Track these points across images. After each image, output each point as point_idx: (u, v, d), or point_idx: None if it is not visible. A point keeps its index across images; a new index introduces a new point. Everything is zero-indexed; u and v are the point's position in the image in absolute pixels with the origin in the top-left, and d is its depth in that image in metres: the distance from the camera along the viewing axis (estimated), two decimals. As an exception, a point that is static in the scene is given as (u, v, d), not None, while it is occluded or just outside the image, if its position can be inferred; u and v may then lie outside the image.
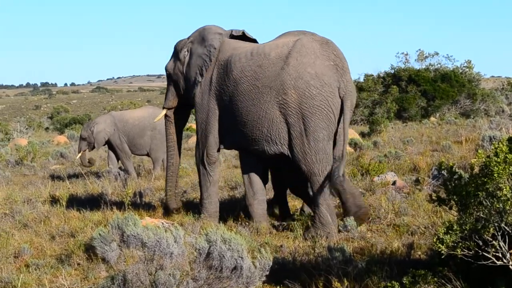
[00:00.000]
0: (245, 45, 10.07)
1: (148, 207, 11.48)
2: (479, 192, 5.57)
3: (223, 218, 10.26)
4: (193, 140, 21.82)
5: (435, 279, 6.05)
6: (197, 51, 10.31)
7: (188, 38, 10.66)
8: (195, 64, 10.29)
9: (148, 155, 18.18)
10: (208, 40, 10.20)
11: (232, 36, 10.46)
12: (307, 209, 10.18)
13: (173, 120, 10.98)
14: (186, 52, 10.54)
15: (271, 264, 6.31)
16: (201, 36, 10.39)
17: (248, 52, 9.59)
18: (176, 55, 10.80)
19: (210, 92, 9.95)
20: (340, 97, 8.99)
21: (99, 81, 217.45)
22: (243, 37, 10.57)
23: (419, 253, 7.65)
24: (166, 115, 11.06)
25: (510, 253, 5.55)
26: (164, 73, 11.13)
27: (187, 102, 10.69)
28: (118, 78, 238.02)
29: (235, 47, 10.00)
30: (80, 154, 18.23)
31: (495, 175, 5.41)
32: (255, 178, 9.97)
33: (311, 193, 9.62)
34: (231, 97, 9.63)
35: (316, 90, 8.88)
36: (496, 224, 5.50)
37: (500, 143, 5.54)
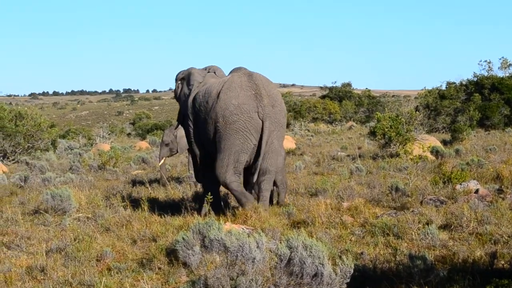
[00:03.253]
0: (210, 81, 12.23)
1: (229, 213, 11.48)
2: None
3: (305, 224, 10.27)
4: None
5: (520, 289, 5.95)
6: (184, 89, 12.83)
7: (182, 74, 13.05)
8: (181, 97, 12.92)
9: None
10: (190, 85, 12.54)
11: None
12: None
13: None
14: (180, 85, 13.07)
15: (352, 271, 6.30)
16: (188, 78, 12.77)
17: (203, 90, 11.89)
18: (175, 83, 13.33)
19: (189, 117, 12.25)
20: (260, 118, 11.07)
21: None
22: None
23: (502, 262, 7.50)
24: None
25: None
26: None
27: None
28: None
29: (204, 83, 12.29)
30: (162, 161, 18.33)
31: None
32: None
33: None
34: (197, 124, 11.96)
35: (237, 117, 11.06)
36: None
37: None
